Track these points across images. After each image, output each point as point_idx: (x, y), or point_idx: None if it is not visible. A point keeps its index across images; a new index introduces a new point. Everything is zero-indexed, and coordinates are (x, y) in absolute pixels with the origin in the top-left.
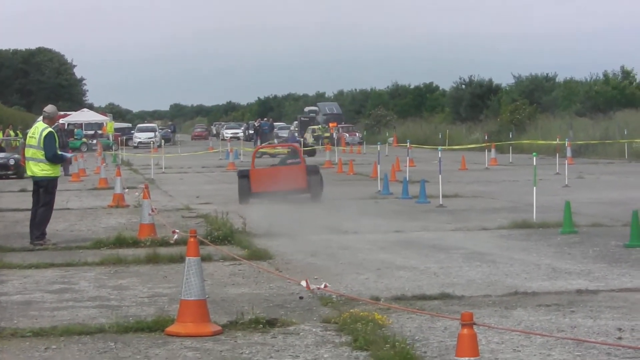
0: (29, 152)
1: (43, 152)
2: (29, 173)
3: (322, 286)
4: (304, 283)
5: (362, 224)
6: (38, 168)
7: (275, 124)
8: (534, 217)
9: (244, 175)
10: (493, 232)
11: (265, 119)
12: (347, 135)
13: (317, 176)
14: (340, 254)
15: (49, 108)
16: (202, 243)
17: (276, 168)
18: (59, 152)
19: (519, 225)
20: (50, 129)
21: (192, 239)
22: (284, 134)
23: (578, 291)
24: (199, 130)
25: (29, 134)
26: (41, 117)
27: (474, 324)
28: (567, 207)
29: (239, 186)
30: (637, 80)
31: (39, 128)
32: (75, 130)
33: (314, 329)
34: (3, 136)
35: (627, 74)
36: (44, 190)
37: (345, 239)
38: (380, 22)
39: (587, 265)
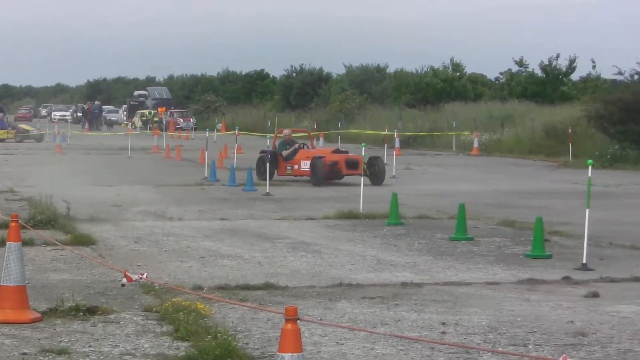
0: None
1: None
2: None
3: (140, 277)
4: (124, 280)
5: (187, 210)
6: None
7: (103, 107)
8: (361, 207)
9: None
10: (319, 221)
11: (96, 102)
12: (182, 120)
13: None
14: (165, 241)
15: None
16: (23, 227)
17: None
18: None
19: (345, 215)
20: None
21: (13, 224)
22: (114, 117)
23: (403, 284)
24: (23, 111)
25: None
26: None
27: (298, 319)
28: (393, 198)
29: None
30: (466, 73)
31: None
32: None
33: (134, 318)
34: None
35: (456, 66)
36: None
37: (169, 225)
38: (212, 8)
39: (413, 257)
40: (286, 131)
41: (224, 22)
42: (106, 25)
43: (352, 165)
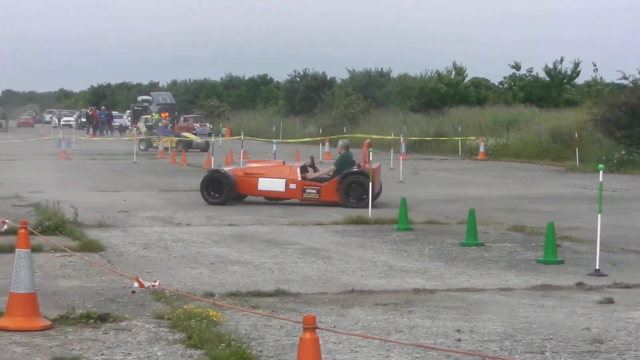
0: None
1: None
2: None
3: (153, 284)
4: (136, 284)
5: (195, 216)
6: None
7: (113, 112)
8: (369, 213)
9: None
10: (328, 227)
11: (103, 107)
12: (198, 125)
13: None
14: (174, 247)
15: None
16: (31, 234)
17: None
18: None
19: (354, 220)
20: None
21: (22, 230)
22: (118, 122)
23: (415, 290)
24: (25, 117)
25: None
26: None
27: (317, 327)
28: (402, 203)
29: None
30: (467, 77)
31: None
32: None
33: (146, 325)
34: None
35: (459, 71)
36: None
37: (178, 231)
38: (213, 12)
39: (424, 263)
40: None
41: (227, 28)
42: (109, 31)
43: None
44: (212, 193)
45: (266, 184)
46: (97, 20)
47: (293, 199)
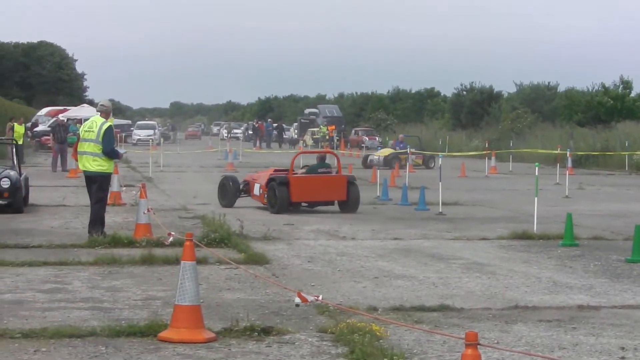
0: (84, 146)
1: (101, 147)
2: (81, 167)
3: (316, 298)
4: (297, 300)
5: (360, 230)
6: (95, 163)
7: (284, 125)
8: (535, 228)
9: (283, 183)
10: (493, 242)
11: (269, 120)
12: (367, 138)
13: (355, 187)
14: (338, 261)
15: (105, 102)
16: (197, 246)
17: (318, 177)
18: (115, 148)
19: (519, 235)
20: (109, 123)
21: (188, 243)
22: (285, 135)
23: (579, 307)
24: (193, 129)
25: (85, 128)
26: (97, 112)
27: (479, 344)
28: (568, 219)
29: (279, 195)
30: (635, 91)
31: (98, 122)
32: (70, 125)
33: (309, 339)
34: (7, 130)
35: (626, 84)
36: (98, 186)
37: (343, 245)
38: (384, 25)
39: (589, 279)
40: None
41: (394, 40)
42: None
43: None
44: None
45: (255, 189)
46: (266, 34)
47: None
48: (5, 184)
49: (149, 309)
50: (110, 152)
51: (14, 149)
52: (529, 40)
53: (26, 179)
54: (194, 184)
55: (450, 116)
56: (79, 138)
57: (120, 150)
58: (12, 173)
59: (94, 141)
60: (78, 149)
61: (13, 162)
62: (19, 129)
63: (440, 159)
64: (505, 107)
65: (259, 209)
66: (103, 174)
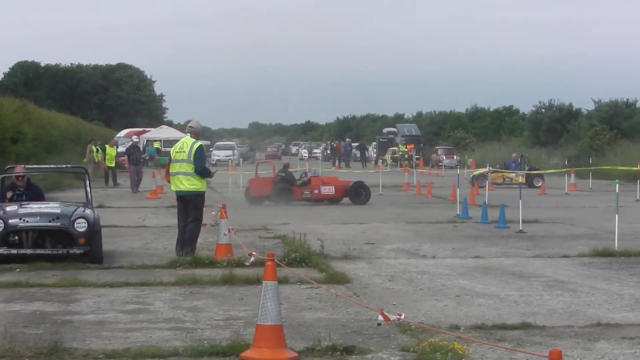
0: (175, 167)
1: (193, 166)
2: (173, 188)
3: (399, 317)
4: (380, 318)
5: (440, 248)
6: (188, 182)
7: (352, 144)
8: (616, 245)
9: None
10: (574, 259)
11: (348, 139)
12: (445, 157)
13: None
14: (419, 279)
15: (195, 123)
16: (278, 265)
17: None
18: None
19: (600, 253)
20: (200, 143)
21: (269, 263)
22: (367, 154)
23: None
24: (272, 149)
25: (176, 149)
26: (186, 133)
27: None
28: None
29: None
30: None
31: (188, 143)
32: (147, 147)
33: (392, 358)
34: (87, 152)
35: None
36: (193, 205)
37: (423, 263)
38: (461, 44)
39: None
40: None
41: (470, 59)
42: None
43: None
44: None
45: None
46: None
47: None
48: (82, 226)
49: (230, 329)
50: (202, 171)
51: (88, 180)
52: (607, 56)
53: (99, 217)
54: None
55: (529, 134)
56: (170, 160)
57: (212, 169)
58: (89, 212)
59: (186, 161)
60: (170, 170)
61: (87, 197)
62: (111, 151)
63: (520, 177)
64: (584, 124)
65: (335, 227)
66: (197, 192)
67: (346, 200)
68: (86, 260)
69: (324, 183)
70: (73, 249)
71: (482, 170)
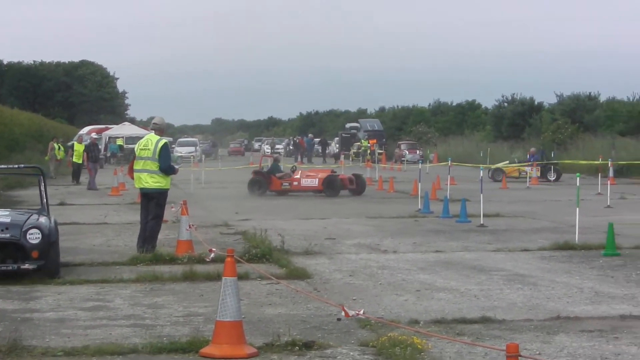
0: (140, 164)
1: (158, 164)
2: (137, 185)
3: (357, 313)
4: (342, 314)
5: (401, 243)
6: (153, 180)
7: (315, 139)
8: (576, 238)
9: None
10: (534, 253)
11: (310, 135)
12: (407, 152)
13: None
14: (379, 274)
15: (159, 119)
16: (238, 262)
17: None
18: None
19: (560, 246)
20: (165, 141)
21: (229, 259)
22: (328, 149)
23: (622, 316)
24: (235, 145)
25: (140, 146)
26: (150, 130)
27: (520, 355)
28: (610, 228)
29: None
30: None
31: (153, 140)
32: (110, 144)
33: (351, 353)
34: (49, 150)
35: None
36: (156, 202)
37: (384, 258)
38: (422, 40)
39: (631, 289)
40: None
41: (433, 53)
42: (317, 60)
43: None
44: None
45: None
46: (306, 50)
47: None
48: (35, 238)
49: (190, 325)
50: (167, 169)
51: (43, 181)
52: (569, 51)
53: (56, 224)
54: (236, 199)
55: (491, 128)
56: (134, 157)
57: (176, 165)
58: (43, 220)
59: (151, 159)
60: (134, 167)
61: (42, 202)
62: (79, 147)
63: (481, 171)
64: (547, 118)
65: (297, 222)
66: (161, 190)
67: (309, 194)
68: (40, 275)
69: (307, 176)
70: (25, 264)
71: (501, 164)
